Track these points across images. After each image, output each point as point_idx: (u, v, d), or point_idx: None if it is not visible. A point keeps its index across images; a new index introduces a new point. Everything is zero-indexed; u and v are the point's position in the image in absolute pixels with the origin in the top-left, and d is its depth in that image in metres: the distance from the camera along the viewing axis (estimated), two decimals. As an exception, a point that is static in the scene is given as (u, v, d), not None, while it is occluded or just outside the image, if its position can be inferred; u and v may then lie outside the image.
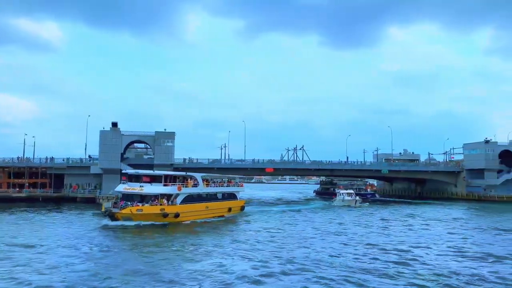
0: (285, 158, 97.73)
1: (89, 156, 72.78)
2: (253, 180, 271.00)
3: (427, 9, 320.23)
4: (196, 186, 43.91)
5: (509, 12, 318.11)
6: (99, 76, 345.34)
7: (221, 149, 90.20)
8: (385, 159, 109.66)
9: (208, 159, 77.39)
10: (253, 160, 79.74)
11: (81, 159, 72.46)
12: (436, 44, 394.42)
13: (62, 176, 69.79)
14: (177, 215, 38.63)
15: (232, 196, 51.31)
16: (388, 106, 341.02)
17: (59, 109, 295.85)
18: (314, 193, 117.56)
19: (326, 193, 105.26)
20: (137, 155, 77.56)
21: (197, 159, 76.47)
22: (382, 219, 46.87)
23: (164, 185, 39.98)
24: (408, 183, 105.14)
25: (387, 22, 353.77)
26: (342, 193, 70.78)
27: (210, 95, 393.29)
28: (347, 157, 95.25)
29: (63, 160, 70.51)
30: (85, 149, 74.36)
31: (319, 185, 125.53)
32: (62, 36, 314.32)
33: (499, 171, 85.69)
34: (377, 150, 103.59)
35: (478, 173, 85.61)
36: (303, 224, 41.43)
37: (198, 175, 46.04)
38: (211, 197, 46.36)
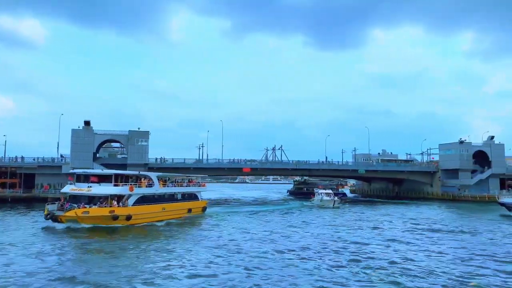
0: (264, 158, 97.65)
1: (61, 156, 71.28)
2: (236, 180, 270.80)
3: (410, 12, 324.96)
4: (151, 186, 41.35)
5: (489, 16, 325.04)
6: (80, 75, 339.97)
7: (199, 148, 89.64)
8: (364, 159, 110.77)
9: (185, 158, 76.56)
10: (230, 160, 79.29)
11: (53, 159, 70.86)
12: (418, 46, 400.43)
13: (34, 176, 68.23)
14: (128, 218, 36.22)
15: (192, 197, 48.69)
16: (370, 107, 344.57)
17: (38, 108, 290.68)
18: (288, 193, 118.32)
19: (299, 193, 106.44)
20: (111, 154, 76.38)
21: (172, 159, 75.58)
22: (345, 220, 46.02)
23: (115, 185, 37.51)
24: (386, 183, 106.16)
25: (371, 24, 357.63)
26: (321, 193, 69.02)
27: (194, 94, 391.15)
28: (326, 157, 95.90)
29: (34, 159, 68.91)
30: (57, 148, 72.92)
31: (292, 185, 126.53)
32: (44, 33, 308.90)
33: (473, 171, 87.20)
34: (354, 150, 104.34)
35: (453, 173, 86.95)
36: (261, 227, 38.57)
37: (153, 175, 43.66)
38: (169, 198, 43.83)
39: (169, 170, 75.79)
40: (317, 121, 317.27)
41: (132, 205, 37.86)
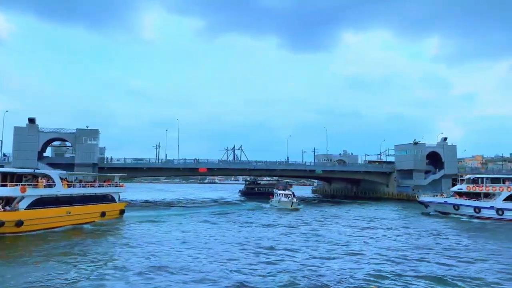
0: (225, 158, 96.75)
1: (4, 155, 68.00)
2: (206, 181, 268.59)
3: (381, 16, 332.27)
4: (51, 187, 36.17)
5: (454, 23, 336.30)
6: (48, 72, 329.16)
7: (156, 148, 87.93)
8: (324, 159, 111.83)
9: (138, 158, 74.63)
10: (185, 160, 77.96)
11: (-5, 158, 67.56)
12: (388, 50, 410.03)
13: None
14: (19, 224, 30.90)
15: (107, 199, 43.60)
16: (341, 109, 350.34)
17: (1, 106, 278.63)
18: (239, 193, 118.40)
19: (250, 193, 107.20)
20: (58, 153, 73.60)
21: (124, 158, 73.59)
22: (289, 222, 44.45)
23: (2, 186, 32.41)
24: (345, 184, 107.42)
25: (343, 28, 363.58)
26: (279, 194, 65.02)
27: (166, 93, 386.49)
28: (288, 157, 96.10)
29: (-29, 159, 65.49)
30: (1, 146, 69.58)
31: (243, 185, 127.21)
32: (9, 29, 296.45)
33: (427, 172, 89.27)
34: (314, 151, 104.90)
35: (408, 173, 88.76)
36: (178, 232, 34.37)
37: (54, 173, 38.33)
38: (76, 200, 38.33)
39: (120, 170, 73.87)
40: (289, 122, 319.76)
41: (25, 209, 32.61)
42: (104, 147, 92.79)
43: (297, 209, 58.91)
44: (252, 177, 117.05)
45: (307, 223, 42.44)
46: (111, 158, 75.11)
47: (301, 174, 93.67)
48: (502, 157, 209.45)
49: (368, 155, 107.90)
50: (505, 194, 48.90)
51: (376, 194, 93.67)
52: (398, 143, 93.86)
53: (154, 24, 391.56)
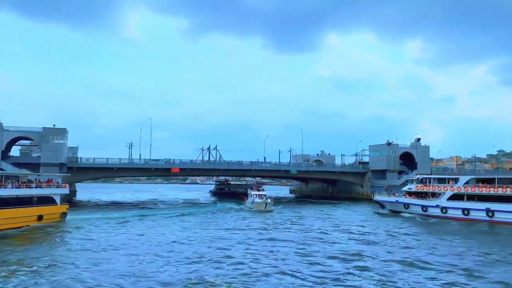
0: (200, 158, 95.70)
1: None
2: (187, 181, 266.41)
3: (364, 19, 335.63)
4: None
5: (436, 27, 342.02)
6: (27, 70, 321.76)
7: (129, 148, 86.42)
8: (302, 159, 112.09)
9: (107, 158, 73.08)
10: (158, 160, 76.84)
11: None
12: (371, 52, 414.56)
13: None
14: None
15: (46, 200, 39.97)
16: (324, 110, 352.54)
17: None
18: (210, 193, 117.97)
19: (220, 193, 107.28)
20: (24, 153, 71.64)
21: (94, 158, 72.05)
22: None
23: None
24: (321, 184, 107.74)
25: (327, 29, 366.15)
26: (253, 195, 61.92)
27: (150, 93, 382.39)
28: (264, 158, 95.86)
29: None
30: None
31: (214, 185, 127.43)
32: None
33: (400, 172, 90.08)
34: (290, 151, 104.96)
35: (381, 174, 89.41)
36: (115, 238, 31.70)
37: None
38: (6, 202, 35.13)
39: (90, 170, 72.51)
40: (272, 122, 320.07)
41: None
42: (77, 147, 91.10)
43: (270, 211, 57.03)
44: (232, 178, 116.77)
45: (266, 227, 39.73)
46: (81, 158, 73.74)
47: (276, 174, 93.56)
48: (478, 158, 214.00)
49: (344, 155, 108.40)
50: (449, 193, 50.75)
51: (351, 194, 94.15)
52: (379, 144, 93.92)
53: (138, 23, 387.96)
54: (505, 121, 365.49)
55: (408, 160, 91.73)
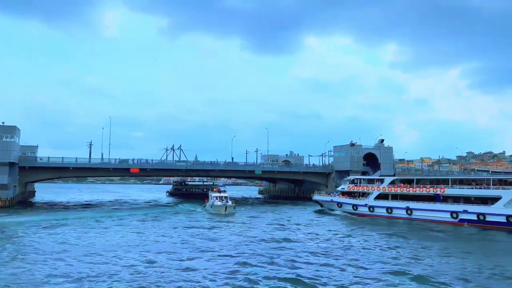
0: (164, 158, 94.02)
1: None
2: (161, 182, 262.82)
3: (342, 22, 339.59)
4: None
5: (409, 31, 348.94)
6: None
7: (89, 147, 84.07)
8: (271, 160, 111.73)
9: (63, 157, 70.72)
10: (116, 159, 74.91)
11: None
12: (348, 54, 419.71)
13: None
14: None
15: None
16: (302, 111, 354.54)
17: None
18: (167, 193, 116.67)
19: (178, 194, 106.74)
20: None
21: (48, 157, 69.60)
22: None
23: None
24: (289, 184, 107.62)
25: (305, 32, 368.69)
26: (213, 197, 57.97)
27: (126, 92, 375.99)
28: (232, 158, 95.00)
29: None
30: None
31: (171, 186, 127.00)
32: None
33: (364, 173, 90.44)
34: (256, 151, 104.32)
35: (345, 174, 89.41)
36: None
37: None
38: None
39: (44, 170, 70.10)
40: (250, 123, 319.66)
41: None
42: (37, 146, 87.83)
43: (232, 214, 53.79)
44: (202, 178, 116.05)
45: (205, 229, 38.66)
46: (35, 157, 71.24)
47: (241, 174, 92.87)
48: (448, 159, 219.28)
49: (311, 156, 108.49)
50: (376, 193, 53.95)
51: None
52: (343, 144, 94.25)
53: (116, 22, 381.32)
54: (474, 124, 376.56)
55: (372, 160, 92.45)
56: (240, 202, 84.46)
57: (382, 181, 55.54)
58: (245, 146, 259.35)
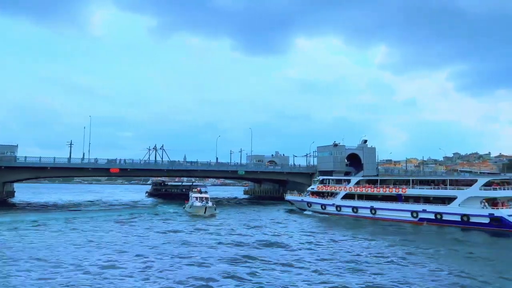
0: (147, 157, 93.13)
1: None
2: (149, 182, 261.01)
3: (332, 23, 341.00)
4: None
5: (398, 33, 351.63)
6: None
7: (69, 146, 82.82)
8: (256, 160, 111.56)
9: (40, 157, 69.48)
10: (96, 159, 73.92)
11: None
12: (338, 56, 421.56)
13: None
14: None
15: None
16: (291, 111, 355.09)
17: None
18: (146, 194, 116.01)
19: (157, 194, 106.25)
20: None
21: (25, 157, 68.39)
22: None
23: None
24: (274, 184, 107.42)
25: (296, 32, 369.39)
26: (193, 197, 55.79)
27: (115, 91, 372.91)
28: (217, 158, 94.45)
29: None
30: None
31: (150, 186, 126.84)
32: None
33: (347, 173, 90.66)
34: (240, 151, 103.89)
35: (328, 174, 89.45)
36: None
37: None
38: None
39: (21, 170, 68.93)
40: (240, 123, 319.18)
41: None
42: (16, 145, 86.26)
43: (212, 215, 51.08)
44: (192, 179, 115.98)
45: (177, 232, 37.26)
46: (14, 157, 69.84)
47: (223, 174, 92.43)
48: (435, 160, 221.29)
49: (296, 156, 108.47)
50: (343, 193, 55.43)
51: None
52: (327, 145, 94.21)
53: (105, 21, 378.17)
54: (461, 126, 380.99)
55: (355, 161, 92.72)
56: (223, 202, 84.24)
57: (348, 181, 56.65)
58: (234, 146, 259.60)
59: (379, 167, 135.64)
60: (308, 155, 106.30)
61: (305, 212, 58.05)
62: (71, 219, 46.62)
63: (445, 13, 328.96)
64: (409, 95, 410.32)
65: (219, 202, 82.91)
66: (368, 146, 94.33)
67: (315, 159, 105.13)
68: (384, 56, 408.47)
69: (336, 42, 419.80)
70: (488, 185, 41.93)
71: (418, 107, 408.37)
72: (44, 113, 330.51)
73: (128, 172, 79.58)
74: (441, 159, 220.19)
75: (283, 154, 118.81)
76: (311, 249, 28.30)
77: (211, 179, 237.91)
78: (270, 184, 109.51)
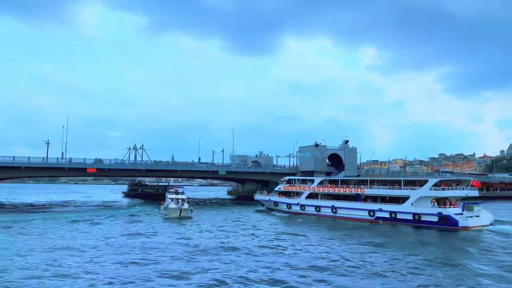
0: (127, 157, 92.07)
1: None
2: (143, 182, 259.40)
3: (321, 25, 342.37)
4: None
5: (386, 35, 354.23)
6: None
7: (47, 145, 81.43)
8: (240, 160, 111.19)
9: (14, 156, 68.05)
10: (70, 158, 72.72)
11: None
12: (328, 57, 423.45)
13: None
14: None
15: None
16: (281, 112, 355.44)
17: None
18: (123, 194, 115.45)
19: (134, 195, 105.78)
20: None
21: (-2, 156, 66.94)
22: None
23: None
24: (257, 184, 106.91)
25: (285, 34, 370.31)
26: (169, 199, 53.18)
27: (104, 91, 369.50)
28: (199, 158, 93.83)
29: None
30: None
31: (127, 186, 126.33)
32: None
33: (328, 173, 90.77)
34: (223, 151, 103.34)
35: (310, 174, 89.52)
36: None
37: None
38: None
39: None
40: (229, 123, 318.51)
41: None
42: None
43: (188, 218, 48.20)
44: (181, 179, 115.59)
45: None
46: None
47: (204, 175, 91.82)
48: (421, 161, 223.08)
49: (279, 156, 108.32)
50: (307, 192, 57.02)
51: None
52: (308, 145, 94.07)
53: (93, 19, 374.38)
54: (448, 127, 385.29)
55: (336, 161, 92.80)
56: (206, 203, 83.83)
57: (312, 181, 58.29)
58: (222, 146, 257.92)
59: (365, 168, 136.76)
60: (291, 155, 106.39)
61: (273, 212, 58.80)
62: (29, 221, 44.67)
63: (433, 16, 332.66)
64: (397, 96, 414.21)
65: (200, 203, 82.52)
66: (351, 146, 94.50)
67: (296, 159, 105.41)
68: (373, 58, 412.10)
69: (325, 43, 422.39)
70: (437, 185, 43.67)
71: (406, 109, 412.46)
72: (32, 112, 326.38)
73: (106, 172, 78.56)
74: (427, 159, 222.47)
75: (267, 155, 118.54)
76: (253, 251, 26.95)
77: (199, 179, 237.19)
78: (253, 184, 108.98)
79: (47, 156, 76.55)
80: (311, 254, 26.18)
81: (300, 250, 27.68)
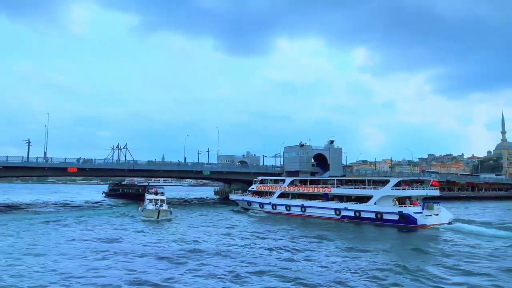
0: (110, 157, 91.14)
1: None
2: (124, 182, 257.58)
3: (314, 26, 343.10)
4: None
5: (378, 37, 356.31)
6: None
7: (28, 145, 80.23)
8: (228, 160, 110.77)
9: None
10: (51, 158, 71.74)
11: None
12: (320, 58, 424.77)
13: None
14: None
15: None
16: (272, 112, 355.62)
17: None
18: (103, 194, 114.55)
19: (113, 194, 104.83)
20: None
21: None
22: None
23: None
24: (243, 184, 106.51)
25: (278, 34, 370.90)
26: (147, 199, 50.82)
27: (95, 90, 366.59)
28: (185, 158, 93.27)
29: None
30: None
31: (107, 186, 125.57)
32: None
33: (313, 173, 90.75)
34: (208, 151, 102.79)
35: (295, 174, 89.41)
36: None
37: None
38: None
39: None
40: (221, 123, 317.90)
41: None
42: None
43: (167, 220, 45.70)
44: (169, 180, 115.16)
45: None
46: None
47: (187, 175, 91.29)
48: (410, 161, 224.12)
49: (266, 156, 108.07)
50: (278, 192, 58.32)
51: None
52: (293, 145, 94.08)
53: (84, 18, 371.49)
54: (437, 128, 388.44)
55: (322, 161, 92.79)
56: (191, 203, 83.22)
57: (284, 181, 59.80)
58: (214, 146, 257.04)
59: (355, 168, 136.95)
60: (277, 155, 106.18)
61: (248, 212, 59.26)
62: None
63: (424, 18, 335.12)
64: (387, 97, 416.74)
65: (183, 203, 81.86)
66: (336, 146, 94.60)
67: (282, 158, 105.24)
68: (364, 58, 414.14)
69: (317, 44, 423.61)
70: (398, 185, 44.90)
71: (396, 109, 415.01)
72: (17, 110, 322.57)
73: (88, 172, 77.49)
74: (414, 160, 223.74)
75: (254, 155, 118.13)
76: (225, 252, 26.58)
77: (188, 179, 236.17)
78: (240, 184, 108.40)
79: (28, 155, 75.60)
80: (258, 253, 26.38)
81: (255, 250, 27.68)
